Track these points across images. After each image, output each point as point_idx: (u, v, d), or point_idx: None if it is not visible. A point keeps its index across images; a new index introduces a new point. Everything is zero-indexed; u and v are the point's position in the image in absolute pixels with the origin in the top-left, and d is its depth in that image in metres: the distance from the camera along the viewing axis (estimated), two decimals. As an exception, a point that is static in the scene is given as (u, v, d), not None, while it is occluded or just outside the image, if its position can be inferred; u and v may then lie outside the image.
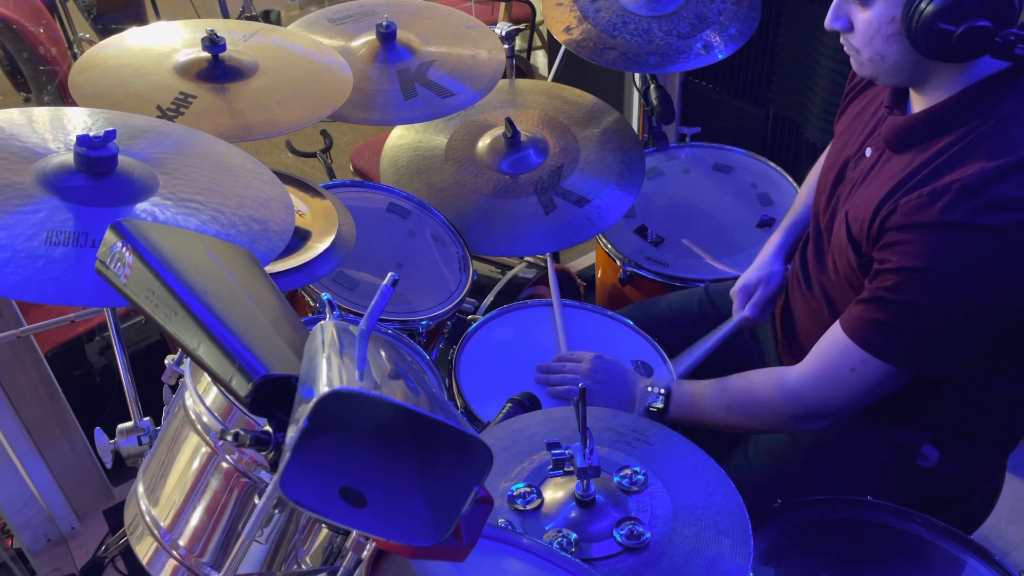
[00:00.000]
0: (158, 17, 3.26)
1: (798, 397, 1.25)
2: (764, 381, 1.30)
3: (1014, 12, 1.02)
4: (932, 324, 1.11)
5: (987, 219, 1.03)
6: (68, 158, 1.10)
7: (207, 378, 0.98)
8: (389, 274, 0.74)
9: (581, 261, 2.78)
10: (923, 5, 1.03)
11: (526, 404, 1.24)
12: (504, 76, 1.89)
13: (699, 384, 1.35)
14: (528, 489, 1.07)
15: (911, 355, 1.15)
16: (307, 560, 0.99)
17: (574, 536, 1.01)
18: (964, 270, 1.06)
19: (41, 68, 2.59)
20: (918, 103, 1.17)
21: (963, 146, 1.09)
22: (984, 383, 1.23)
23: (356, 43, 1.80)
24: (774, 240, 1.61)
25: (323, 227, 1.50)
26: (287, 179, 1.55)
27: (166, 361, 1.22)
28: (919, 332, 1.13)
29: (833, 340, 1.21)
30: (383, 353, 0.75)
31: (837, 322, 1.21)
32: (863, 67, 1.17)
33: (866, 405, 1.21)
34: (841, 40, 1.18)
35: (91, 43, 2.78)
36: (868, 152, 1.25)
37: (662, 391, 1.35)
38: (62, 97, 2.58)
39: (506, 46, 1.90)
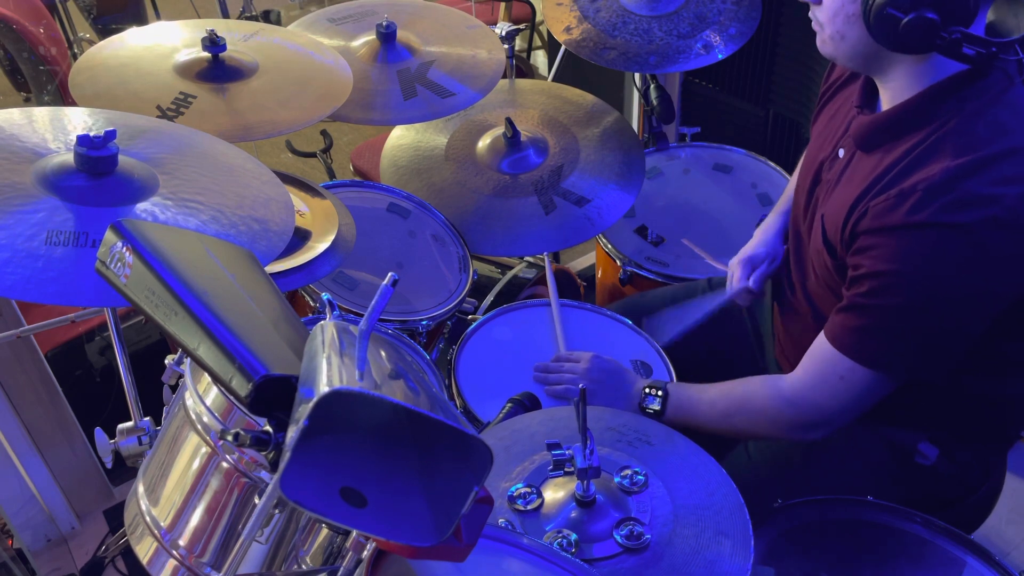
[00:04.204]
0: (158, 17, 3.26)
1: (792, 406, 1.24)
2: (760, 389, 1.30)
3: (966, 11, 1.01)
4: (912, 326, 1.11)
5: (955, 217, 1.03)
6: (68, 158, 1.10)
7: (207, 378, 0.98)
8: (389, 274, 0.74)
9: (581, 261, 2.78)
10: None
11: (526, 404, 1.24)
12: (504, 76, 1.89)
13: (697, 387, 1.35)
14: (528, 489, 1.07)
15: (895, 360, 1.15)
16: (307, 560, 0.99)
17: (574, 536, 1.01)
18: (936, 270, 1.06)
19: (41, 68, 2.59)
20: (886, 101, 1.17)
21: (928, 145, 1.09)
22: (975, 384, 1.23)
23: (356, 43, 1.80)
24: (773, 223, 1.58)
25: (323, 227, 1.50)
26: (287, 179, 1.55)
27: (166, 361, 1.22)
28: (900, 336, 1.13)
29: (820, 349, 1.20)
30: (383, 353, 0.75)
31: (823, 331, 1.20)
32: (824, 44, 1.16)
33: (862, 411, 1.21)
34: (809, 14, 1.17)
35: (91, 43, 2.78)
36: (841, 153, 1.24)
37: (659, 392, 1.35)
38: (62, 97, 2.58)
39: (506, 46, 1.90)
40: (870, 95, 1.22)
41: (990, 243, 1.03)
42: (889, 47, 1.07)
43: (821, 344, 1.20)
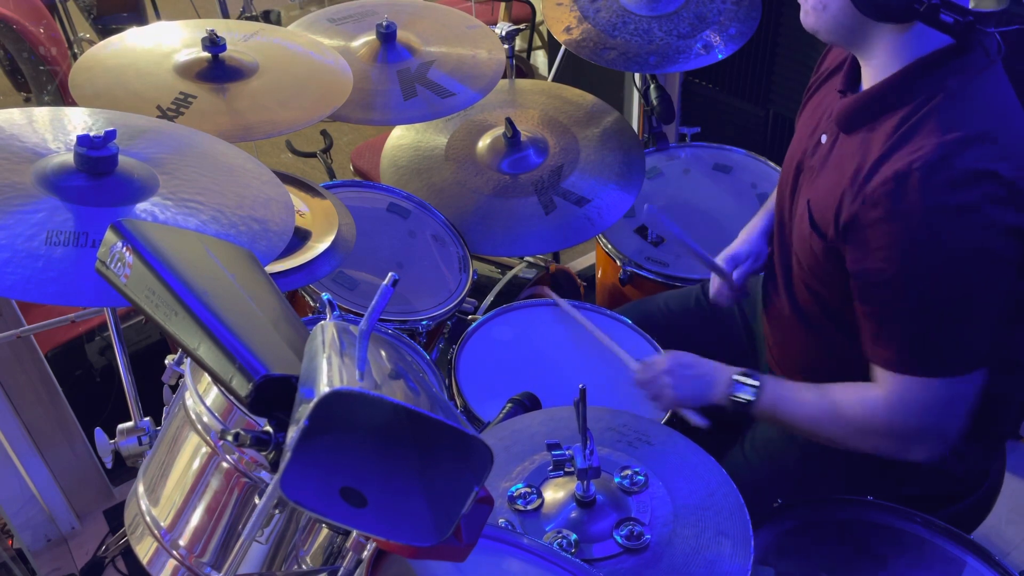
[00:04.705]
0: (158, 17, 3.26)
1: (890, 424, 1.18)
2: (854, 398, 1.21)
3: None
4: (946, 317, 1.09)
5: (957, 198, 1.02)
6: (68, 158, 1.10)
7: (207, 378, 0.98)
8: (389, 274, 0.74)
9: (581, 261, 2.78)
10: None
11: (526, 404, 1.24)
12: (504, 76, 1.89)
13: (793, 386, 1.28)
14: (528, 489, 1.07)
15: (945, 361, 1.12)
16: (307, 560, 0.99)
17: (574, 537, 1.01)
18: (952, 254, 1.05)
19: (41, 68, 2.59)
20: (868, 80, 1.16)
21: (915, 123, 1.08)
22: None
23: (356, 43, 1.80)
24: (757, 223, 1.58)
25: (323, 227, 1.50)
26: (287, 179, 1.55)
27: (166, 361, 1.22)
28: (944, 331, 1.11)
29: (884, 380, 1.16)
30: (383, 353, 0.75)
31: (876, 365, 1.17)
32: (807, 16, 1.16)
33: (965, 417, 1.16)
34: None
35: (91, 43, 2.78)
36: (823, 139, 1.24)
37: (754, 383, 1.28)
38: (62, 97, 2.58)
39: (506, 46, 1.90)
40: (853, 79, 1.21)
41: (994, 217, 1.03)
42: (870, 15, 1.07)
43: (883, 376, 1.16)
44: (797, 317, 1.32)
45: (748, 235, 1.58)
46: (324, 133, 2.44)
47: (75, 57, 2.86)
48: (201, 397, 0.97)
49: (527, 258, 2.00)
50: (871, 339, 1.16)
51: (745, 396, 1.28)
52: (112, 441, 1.22)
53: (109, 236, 0.79)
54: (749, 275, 1.54)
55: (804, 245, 1.24)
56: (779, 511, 1.21)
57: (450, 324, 1.68)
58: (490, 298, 1.84)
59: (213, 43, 1.50)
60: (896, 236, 1.07)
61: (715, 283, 1.56)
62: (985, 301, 1.10)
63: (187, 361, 1.09)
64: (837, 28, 1.13)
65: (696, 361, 1.36)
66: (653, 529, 1.01)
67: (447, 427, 0.65)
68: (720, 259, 1.55)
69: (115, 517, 2.08)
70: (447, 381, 1.48)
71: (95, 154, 1.08)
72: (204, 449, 0.98)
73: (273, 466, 0.68)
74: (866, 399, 1.19)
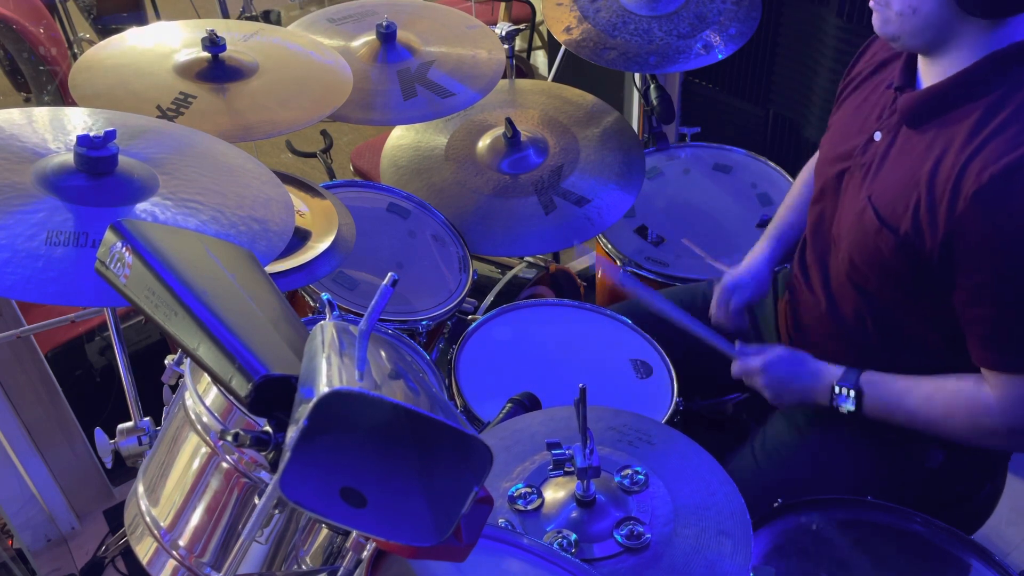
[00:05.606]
0: (158, 17, 3.26)
1: (1007, 424, 1.17)
2: (968, 400, 1.20)
3: None
4: None
5: None
6: (68, 158, 1.10)
7: (207, 378, 0.98)
8: (389, 274, 0.74)
9: (581, 261, 2.78)
10: None
11: (526, 404, 1.24)
12: (504, 76, 1.89)
13: (895, 386, 1.27)
14: (528, 489, 1.07)
15: None
16: (307, 560, 0.99)
17: (574, 536, 1.01)
18: None
19: (41, 68, 2.59)
20: (933, 76, 1.16)
21: (1007, 116, 1.07)
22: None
23: (356, 43, 1.80)
24: (762, 250, 1.58)
25: (323, 227, 1.50)
26: (287, 179, 1.55)
27: (166, 361, 1.22)
28: None
29: (994, 378, 1.16)
30: (383, 353, 0.75)
31: (985, 367, 1.16)
32: (888, 23, 1.14)
33: None
34: None
35: (91, 43, 2.78)
36: (878, 136, 1.23)
37: (851, 392, 1.27)
38: (62, 97, 2.58)
39: (506, 46, 1.90)
40: (909, 75, 1.21)
41: None
42: (977, 12, 1.05)
43: (995, 378, 1.15)
44: (832, 316, 1.32)
45: (753, 262, 1.58)
46: (324, 133, 2.44)
47: (75, 57, 2.86)
48: (201, 397, 0.97)
49: (527, 258, 2.00)
50: (981, 343, 1.15)
51: (847, 407, 1.28)
52: (112, 441, 1.22)
53: (109, 236, 0.79)
54: (753, 301, 1.54)
55: (865, 243, 1.22)
56: (779, 511, 1.21)
57: (450, 324, 1.68)
58: (490, 298, 1.84)
59: (213, 43, 1.50)
60: (1013, 231, 1.05)
61: (714, 307, 1.56)
62: None
63: (187, 361, 1.09)
64: (925, 29, 1.11)
65: (794, 375, 1.34)
66: (653, 528, 1.01)
67: (447, 427, 0.65)
68: (721, 286, 1.55)
69: (115, 517, 2.08)
70: (447, 381, 1.48)
71: (95, 154, 1.08)
72: (204, 449, 0.98)
73: (273, 466, 0.68)
74: (979, 401, 1.17)
